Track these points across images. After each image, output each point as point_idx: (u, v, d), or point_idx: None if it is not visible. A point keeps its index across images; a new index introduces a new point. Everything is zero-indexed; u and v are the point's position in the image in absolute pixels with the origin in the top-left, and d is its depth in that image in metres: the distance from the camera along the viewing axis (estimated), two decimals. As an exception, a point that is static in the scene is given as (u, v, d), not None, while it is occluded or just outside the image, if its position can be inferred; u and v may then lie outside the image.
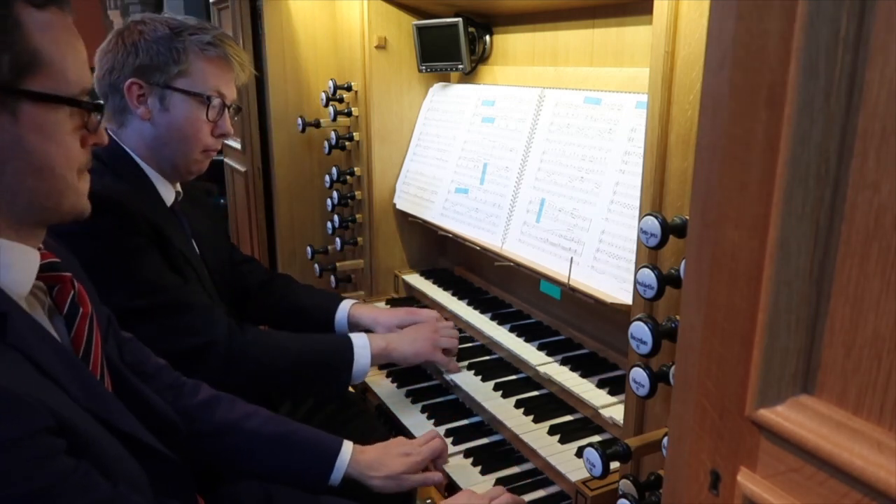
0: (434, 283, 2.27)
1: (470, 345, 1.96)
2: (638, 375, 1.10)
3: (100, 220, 1.16)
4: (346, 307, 1.95)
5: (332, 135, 2.37)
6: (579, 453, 1.44)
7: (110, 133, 1.62)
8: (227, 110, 1.68)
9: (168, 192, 1.69)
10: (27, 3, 0.90)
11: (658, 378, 1.09)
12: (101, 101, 1.02)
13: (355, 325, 1.93)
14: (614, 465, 1.37)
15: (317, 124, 2.39)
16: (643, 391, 1.10)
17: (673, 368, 1.06)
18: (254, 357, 1.61)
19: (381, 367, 1.98)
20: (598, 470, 1.12)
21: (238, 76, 1.71)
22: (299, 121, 2.42)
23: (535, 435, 1.52)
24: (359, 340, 1.72)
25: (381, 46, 2.20)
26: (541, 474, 1.50)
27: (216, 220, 2.06)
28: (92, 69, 1.04)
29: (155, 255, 1.55)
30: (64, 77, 0.94)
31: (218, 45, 1.63)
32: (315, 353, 1.69)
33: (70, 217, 1.01)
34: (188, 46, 1.59)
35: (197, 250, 1.75)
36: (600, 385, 1.58)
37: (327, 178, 2.43)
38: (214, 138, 1.68)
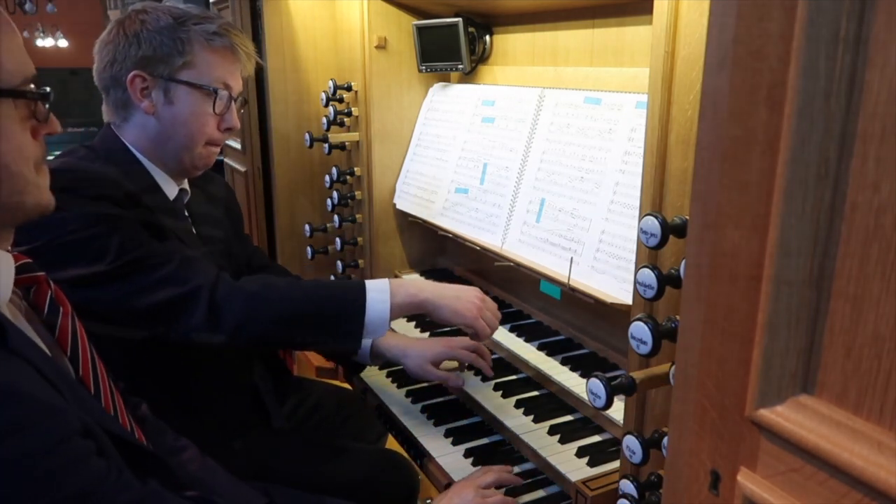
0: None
1: (470, 345, 1.96)
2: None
3: (64, 195, 1.09)
4: None
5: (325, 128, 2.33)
6: (579, 453, 1.44)
7: (112, 128, 1.58)
8: (233, 102, 1.61)
9: (170, 188, 1.62)
10: None
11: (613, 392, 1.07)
12: (48, 88, 0.97)
13: (379, 356, 1.79)
14: (614, 465, 1.38)
15: (325, 139, 2.33)
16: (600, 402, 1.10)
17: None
18: (243, 305, 1.44)
19: (380, 368, 1.98)
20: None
21: (245, 66, 1.64)
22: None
23: (535, 435, 1.52)
24: (375, 285, 1.51)
25: (381, 46, 2.20)
26: (541, 474, 1.50)
27: (238, 227, 1.96)
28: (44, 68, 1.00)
29: (130, 221, 1.44)
30: (2, 68, 0.90)
31: (223, 34, 1.56)
32: (318, 300, 1.50)
33: (35, 213, 0.98)
34: (192, 37, 1.53)
35: (202, 249, 1.66)
36: (600, 385, 1.58)
37: (327, 178, 2.42)
38: (221, 133, 1.62)
